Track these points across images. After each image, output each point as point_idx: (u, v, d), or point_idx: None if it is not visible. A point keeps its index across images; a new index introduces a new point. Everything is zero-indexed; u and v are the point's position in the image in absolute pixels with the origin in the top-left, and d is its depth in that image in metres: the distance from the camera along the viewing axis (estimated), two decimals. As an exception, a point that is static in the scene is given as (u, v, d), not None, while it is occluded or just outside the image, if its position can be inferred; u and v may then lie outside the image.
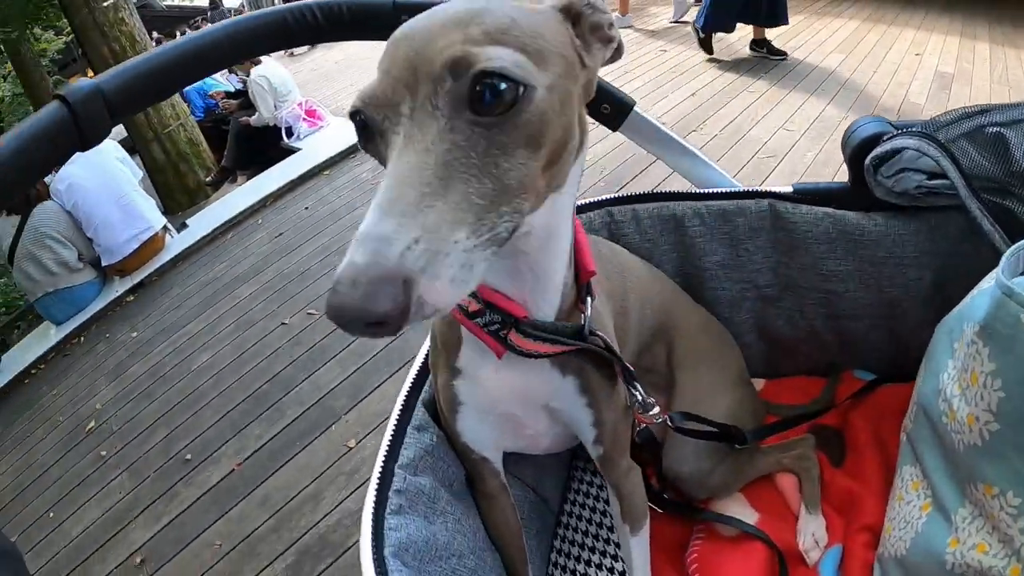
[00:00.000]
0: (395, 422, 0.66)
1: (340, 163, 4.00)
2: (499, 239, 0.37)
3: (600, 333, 0.58)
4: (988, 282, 0.62)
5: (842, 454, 0.91)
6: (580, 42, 0.45)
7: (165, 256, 3.87)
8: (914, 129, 0.75)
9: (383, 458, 0.61)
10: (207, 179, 5.02)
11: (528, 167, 0.39)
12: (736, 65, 3.94)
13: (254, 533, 1.83)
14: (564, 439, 0.69)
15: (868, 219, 0.83)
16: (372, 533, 0.54)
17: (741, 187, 0.90)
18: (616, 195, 0.91)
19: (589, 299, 0.57)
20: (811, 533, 0.81)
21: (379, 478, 0.59)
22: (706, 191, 0.90)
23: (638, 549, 0.72)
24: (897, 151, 0.77)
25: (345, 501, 1.84)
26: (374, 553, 0.52)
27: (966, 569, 0.60)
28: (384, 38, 0.43)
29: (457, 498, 0.67)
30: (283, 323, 2.64)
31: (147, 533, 1.98)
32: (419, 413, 0.67)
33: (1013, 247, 0.61)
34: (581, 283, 0.57)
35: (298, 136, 4.90)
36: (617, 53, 0.49)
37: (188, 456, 2.21)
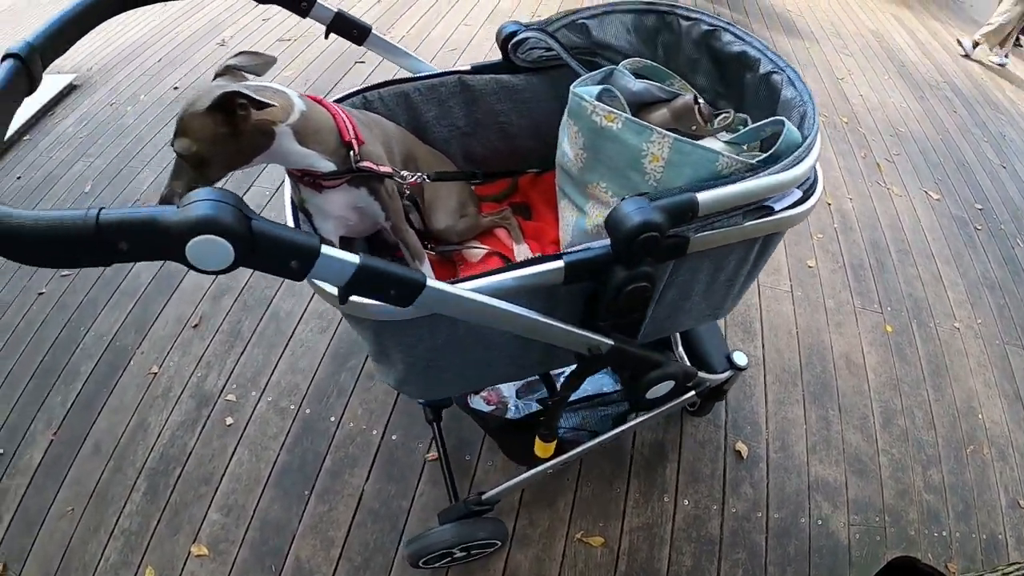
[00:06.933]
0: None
1: (39, 124, 3.45)
2: (213, 182, 0.90)
3: (366, 163, 1.05)
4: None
5: (529, 214, 1.53)
6: (228, 118, 0.89)
7: None
8: (534, 26, 1.28)
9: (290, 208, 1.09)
10: None
11: (207, 177, 0.91)
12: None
13: (100, 482, 1.88)
14: (369, 224, 1.18)
15: (516, 78, 1.39)
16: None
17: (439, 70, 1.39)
18: (366, 85, 1.32)
19: (352, 152, 1.04)
20: (522, 253, 1.41)
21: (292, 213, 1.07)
22: (420, 74, 1.36)
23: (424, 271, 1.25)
24: (526, 39, 1.30)
25: (171, 417, 1.96)
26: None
27: (599, 229, 1.14)
28: None
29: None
30: (40, 293, 2.45)
31: (-5, 539, 1.85)
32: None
33: (582, 77, 1.18)
34: (345, 143, 1.03)
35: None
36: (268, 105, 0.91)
37: (1, 451, 2.05)
